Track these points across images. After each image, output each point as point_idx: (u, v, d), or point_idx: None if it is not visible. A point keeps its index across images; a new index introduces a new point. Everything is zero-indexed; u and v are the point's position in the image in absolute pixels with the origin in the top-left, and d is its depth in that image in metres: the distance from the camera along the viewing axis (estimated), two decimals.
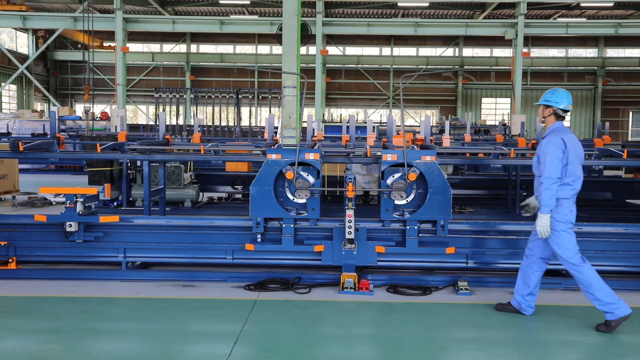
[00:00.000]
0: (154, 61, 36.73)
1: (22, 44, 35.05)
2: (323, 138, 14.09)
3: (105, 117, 25.18)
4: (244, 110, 25.15)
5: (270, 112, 20.95)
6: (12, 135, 20.55)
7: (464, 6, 31.33)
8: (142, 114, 38.03)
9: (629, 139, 35.31)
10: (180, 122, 22.54)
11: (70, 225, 6.00)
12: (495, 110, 36.97)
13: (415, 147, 6.56)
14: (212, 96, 23.26)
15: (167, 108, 23.58)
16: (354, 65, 36.16)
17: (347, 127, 11.21)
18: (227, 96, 23.61)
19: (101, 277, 6.07)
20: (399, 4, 30.19)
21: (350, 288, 5.68)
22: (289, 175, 5.84)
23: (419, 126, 17.33)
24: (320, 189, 5.97)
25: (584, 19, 31.64)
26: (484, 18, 30.39)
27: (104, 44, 31.78)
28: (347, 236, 5.75)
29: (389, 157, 5.90)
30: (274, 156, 5.94)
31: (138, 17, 27.84)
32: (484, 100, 37.06)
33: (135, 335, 4.67)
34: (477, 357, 4.26)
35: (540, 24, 28.39)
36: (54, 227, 6.17)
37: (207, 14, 33.33)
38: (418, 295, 5.64)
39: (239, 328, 4.70)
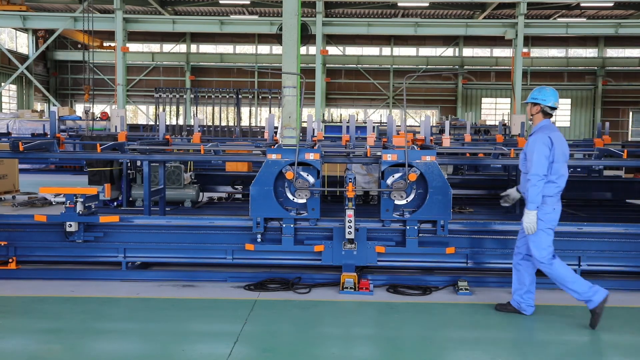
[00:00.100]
0: (154, 61, 36.73)
1: (22, 44, 35.05)
2: (323, 138, 14.08)
3: (105, 117, 25.17)
4: (244, 110, 25.15)
5: (270, 112, 20.96)
6: (12, 135, 20.54)
7: (464, 6, 31.33)
8: (142, 114, 38.04)
9: (629, 139, 35.31)
10: (180, 122, 22.53)
11: (70, 225, 6.00)
12: (495, 110, 36.97)
13: (415, 147, 6.57)
14: (212, 96, 23.25)
15: (167, 108, 23.58)
16: (354, 65, 36.16)
17: (347, 127, 11.21)
18: (227, 96, 23.61)
19: (101, 277, 6.07)
20: (399, 4, 30.19)
21: (350, 288, 5.68)
22: (289, 175, 5.84)
23: (419, 126, 17.32)
24: (320, 189, 5.97)
25: (584, 19, 31.64)
26: (484, 18, 30.40)
27: (104, 44, 31.78)
28: (347, 236, 5.75)
29: (389, 157, 5.90)
30: (274, 156, 5.94)
31: (138, 17, 27.85)
32: (484, 100, 37.06)
33: (135, 335, 4.67)
34: (477, 357, 4.26)
35: (540, 24, 28.40)
36: (54, 227, 6.17)
37: (207, 14, 33.33)
38: (418, 295, 5.64)
39: (239, 328, 4.70)
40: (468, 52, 36.68)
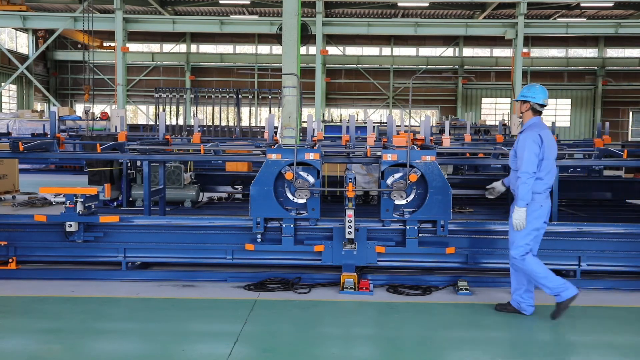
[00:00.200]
0: (154, 61, 36.73)
1: (22, 44, 35.05)
2: (323, 138, 14.08)
3: (105, 117, 25.17)
4: (244, 110, 25.15)
5: (270, 112, 20.95)
6: (12, 135, 20.54)
7: (464, 6, 31.33)
8: (142, 114, 38.04)
9: (629, 139, 35.31)
10: (180, 122, 22.52)
11: (70, 225, 6.00)
12: (495, 110, 36.97)
13: (415, 147, 6.56)
14: (212, 96, 23.24)
15: (167, 108, 23.57)
16: (354, 65, 36.16)
17: (347, 127, 11.20)
18: (227, 96, 23.60)
19: (101, 277, 6.07)
20: (399, 4, 30.19)
21: (350, 288, 5.68)
22: (289, 175, 5.84)
23: (419, 126, 17.32)
24: (320, 189, 5.97)
25: (584, 19, 31.64)
26: (484, 18, 30.39)
27: (104, 44, 31.78)
28: (347, 236, 5.75)
29: (389, 157, 5.90)
30: (273, 156, 5.94)
31: (138, 17, 27.85)
32: (484, 100, 37.07)
33: (135, 335, 4.67)
34: (477, 357, 4.26)
35: (540, 24, 28.40)
36: (54, 227, 6.18)
37: (207, 14, 33.34)
38: (418, 295, 5.64)
39: (239, 328, 4.70)
40: (468, 52, 36.68)
